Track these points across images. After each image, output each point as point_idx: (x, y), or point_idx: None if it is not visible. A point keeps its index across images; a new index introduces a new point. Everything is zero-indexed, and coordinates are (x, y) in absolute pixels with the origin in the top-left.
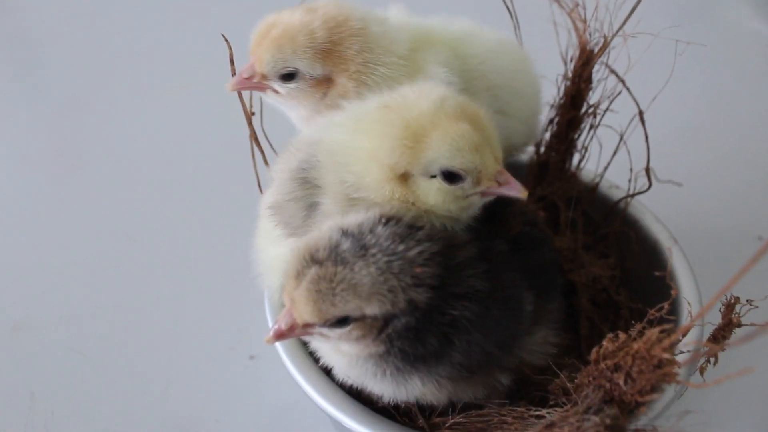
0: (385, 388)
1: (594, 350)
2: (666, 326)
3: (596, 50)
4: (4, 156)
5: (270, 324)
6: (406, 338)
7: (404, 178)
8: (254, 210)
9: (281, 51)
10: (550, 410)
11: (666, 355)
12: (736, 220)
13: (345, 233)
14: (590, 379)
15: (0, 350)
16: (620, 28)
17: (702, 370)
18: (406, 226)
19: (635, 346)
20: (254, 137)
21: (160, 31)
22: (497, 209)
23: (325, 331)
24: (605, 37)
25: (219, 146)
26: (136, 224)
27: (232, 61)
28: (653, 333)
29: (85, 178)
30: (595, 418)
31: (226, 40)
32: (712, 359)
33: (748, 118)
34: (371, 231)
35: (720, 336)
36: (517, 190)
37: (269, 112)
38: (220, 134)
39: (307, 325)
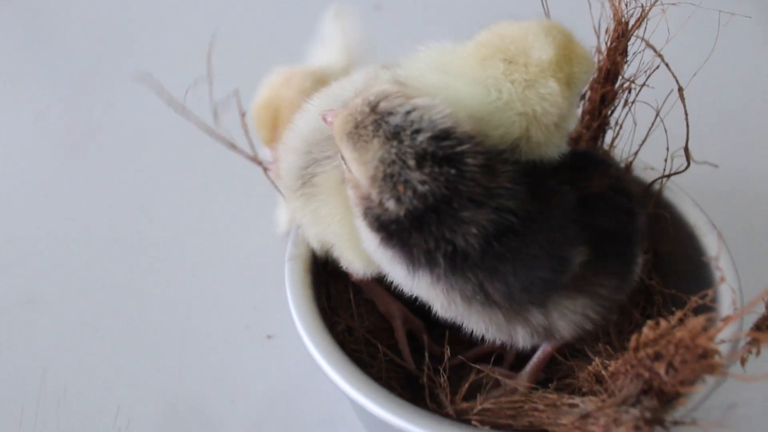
0: (396, 272)
1: (633, 337)
2: (711, 315)
3: (632, 22)
4: (16, 129)
5: (291, 306)
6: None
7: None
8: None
9: None
10: (584, 399)
11: (712, 345)
12: None
13: (408, 111)
14: (628, 367)
15: (13, 324)
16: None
17: (743, 361)
18: (460, 150)
19: (678, 334)
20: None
21: (176, 3)
22: (579, 163)
23: (342, 160)
24: (642, 7)
25: (236, 120)
26: (150, 199)
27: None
28: (698, 321)
29: (98, 151)
30: (635, 411)
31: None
32: (755, 350)
33: None
34: (422, 130)
35: (764, 325)
36: None
37: None
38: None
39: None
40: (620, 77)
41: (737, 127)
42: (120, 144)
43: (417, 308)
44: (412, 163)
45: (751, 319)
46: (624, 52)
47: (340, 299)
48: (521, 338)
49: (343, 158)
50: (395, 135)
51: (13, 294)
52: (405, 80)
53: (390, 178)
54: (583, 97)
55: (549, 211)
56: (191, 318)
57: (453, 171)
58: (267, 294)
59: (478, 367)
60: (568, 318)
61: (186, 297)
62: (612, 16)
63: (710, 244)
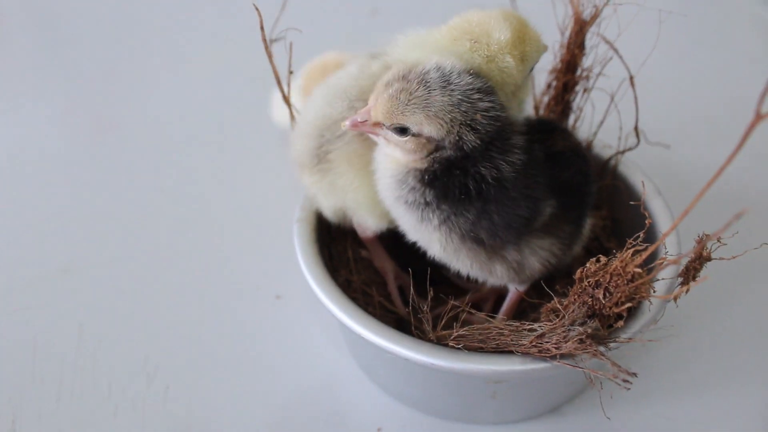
0: (410, 218)
1: (578, 270)
2: (639, 248)
3: (588, 19)
4: (48, 116)
5: (300, 259)
6: (444, 169)
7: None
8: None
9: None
10: (540, 324)
11: (638, 270)
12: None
13: (438, 68)
14: (575, 297)
15: (49, 289)
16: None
17: (675, 299)
18: (487, 85)
19: (613, 265)
20: (286, 98)
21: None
22: (544, 128)
23: (389, 134)
24: (596, 7)
25: (245, 102)
26: (168, 177)
27: (262, 28)
28: (628, 252)
29: (123, 137)
30: (579, 328)
31: (257, 8)
32: (685, 289)
33: (729, 83)
34: (459, 75)
35: (692, 268)
36: None
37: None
38: (248, 91)
39: (376, 124)
40: (579, 68)
41: (683, 111)
42: (140, 131)
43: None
44: (477, 96)
45: None
46: (582, 46)
47: (340, 258)
48: (499, 274)
49: (396, 131)
50: (446, 83)
51: (50, 262)
52: (392, 63)
53: (464, 114)
54: (548, 86)
55: (526, 163)
56: (207, 281)
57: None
58: (275, 258)
59: (462, 306)
60: (537, 254)
61: (202, 262)
62: (571, 15)
63: (656, 207)
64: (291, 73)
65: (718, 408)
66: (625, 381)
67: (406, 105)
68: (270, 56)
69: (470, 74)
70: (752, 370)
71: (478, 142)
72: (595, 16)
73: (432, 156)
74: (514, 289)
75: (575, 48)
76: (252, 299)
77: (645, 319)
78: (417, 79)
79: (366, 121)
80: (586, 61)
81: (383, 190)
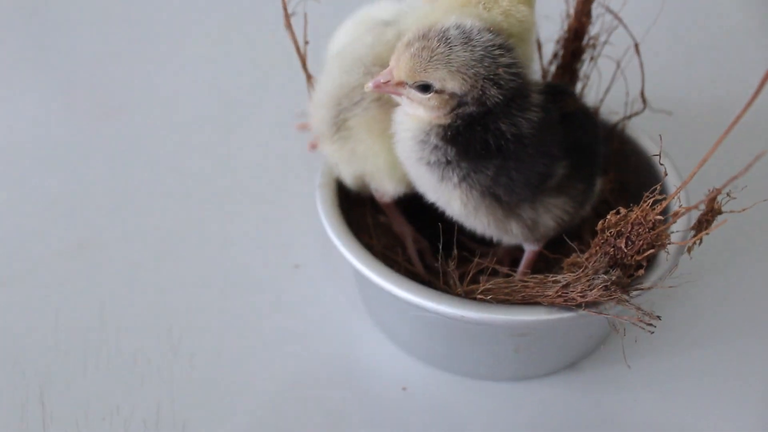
0: (431, 177)
1: (599, 222)
2: (658, 197)
3: None
4: (55, 101)
5: (325, 223)
6: (466, 125)
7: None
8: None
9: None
10: (564, 275)
11: (659, 217)
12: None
13: (457, 26)
14: (597, 248)
15: (67, 265)
16: None
17: (690, 250)
18: (508, 42)
19: (633, 215)
20: (303, 63)
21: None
22: (555, 90)
23: (412, 93)
24: None
25: (254, 76)
26: (180, 156)
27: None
28: (648, 202)
29: (129, 119)
30: (603, 276)
31: None
32: (698, 242)
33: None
34: (479, 32)
35: (704, 221)
36: None
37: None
38: (256, 65)
39: (399, 84)
40: (586, 36)
41: (686, 79)
42: (147, 113)
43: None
44: (498, 51)
45: None
46: (589, 14)
47: (359, 224)
48: (514, 232)
49: (419, 89)
50: (467, 39)
51: (67, 239)
52: (406, 30)
53: (487, 68)
54: (555, 55)
55: (544, 120)
56: (227, 253)
57: (522, 70)
58: (292, 228)
59: (488, 263)
60: (551, 212)
61: (220, 235)
62: None
63: (665, 166)
64: (307, 43)
65: (739, 358)
66: (649, 325)
67: (429, 62)
68: (290, 27)
69: (490, 31)
70: None
71: (500, 97)
72: None
73: (455, 112)
74: (530, 249)
75: (582, 16)
76: (271, 268)
77: (663, 268)
78: (437, 36)
79: (389, 81)
80: (592, 30)
81: (404, 152)
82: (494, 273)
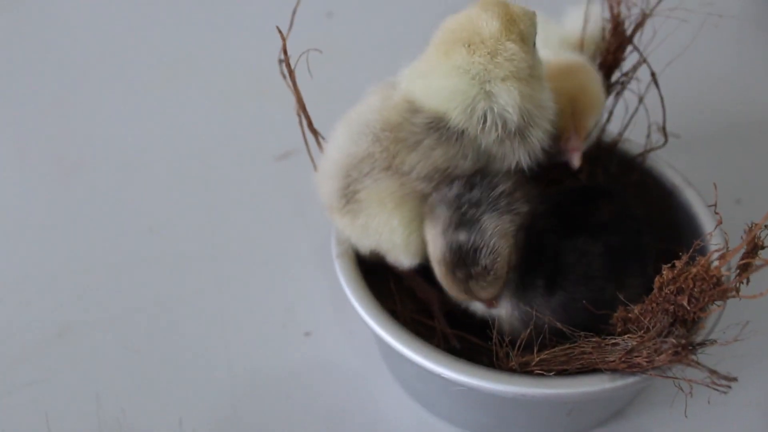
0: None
1: (656, 278)
2: (717, 249)
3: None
4: (4, 163)
5: (350, 295)
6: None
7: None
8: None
9: None
10: (624, 338)
11: (725, 272)
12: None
13: (458, 225)
14: (655, 305)
15: (51, 356)
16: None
17: (738, 290)
18: (505, 174)
19: (693, 269)
20: (309, 123)
21: (161, 19)
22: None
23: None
24: (643, 14)
25: (239, 128)
26: (157, 217)
27: (285, 51)
28: (709, 255)
29: (92, 177)
30: (672, 340)
31: (280, 31)
32: (745, 280)
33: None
34: (477, 201)
35: (749, 258)
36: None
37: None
38: (234, 117)
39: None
40: (617, 72)
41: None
42: (111, 168)
43: None
44: (518, 194)
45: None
46: (620, 58)
47: (381, 290)
48: None
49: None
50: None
51: (45, 327)
52: (407, 95)
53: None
54: None
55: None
56: (227, 326)
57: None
58: (296, 294)
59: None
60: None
61: (217, 307)
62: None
63: (690, 197)
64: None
65: None
66: (723, 386)
67: (487, 285)
68: (294, 81)
69: (484, 179)
70: None
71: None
72: (636, 30)
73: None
74: None
75: (613, 53)
76: (280, 339)
77: (715, 316)
78: (462, 260)
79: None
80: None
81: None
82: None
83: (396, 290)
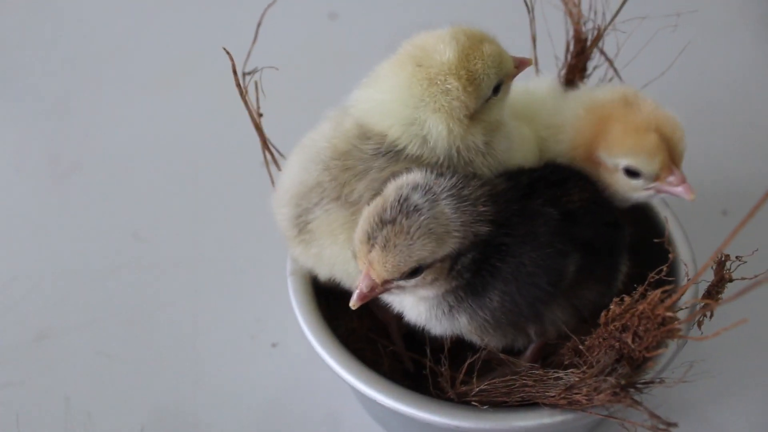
0: (442, 326)
1: (603, 313)
2: (667, 287)
3: (590, 41)
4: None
5: (299, 317)
6: (472, 271)
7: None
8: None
9: None
10: (567, 372)
11: (669, 314)
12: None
13: (414, 187)
14: (600, 340)
15: (27, 359)
16: (612, 20)
17: (700, 324)
18: (464, 176)
19: (640, 307)
20: (264, 141)
21: (153, 27)
22: (558, 177)
23: (403, 283)
24: (599, 28)
25: (221, 138)
26: (142, 223)
27: (235, 72)
28: (656, 294)
29: (84, 181)
30: (611, 379)
31: (227, 52)
32: (708, 313)
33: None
34: (437, 181)
35: (714, 291)
36: None
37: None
38: (219, 126)
39: (386, 282)
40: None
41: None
42: (103, 173)
43: None
44: (466, 191)
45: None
46: (584, 69)
47: (339, 305)
48: (520, 343)
49: (409, 276)
50: (434, 196)
51: (24, 330)
52: (362, 116)
53: (467, 212)
54: None
55: (537, 231)
56: (197, 335)
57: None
58: (266, 306)
59: (506, 357)
60: (557, 324)
61: (189, 316)
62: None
63: (669, 218)
64: (261, 116)
65: None
66: (663, 430)
67: (410, 245)
68: (246, 101)
69: (442, 175)
70: None
71: (489, 227)
72: (596, 39)
73: (455, 269)
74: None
75: (576, 71)
76: (247, 350)
77: (669, 354)
78: (402, 212)
79: (373, 288)
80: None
81: (417, 320)
82: (488, 366)
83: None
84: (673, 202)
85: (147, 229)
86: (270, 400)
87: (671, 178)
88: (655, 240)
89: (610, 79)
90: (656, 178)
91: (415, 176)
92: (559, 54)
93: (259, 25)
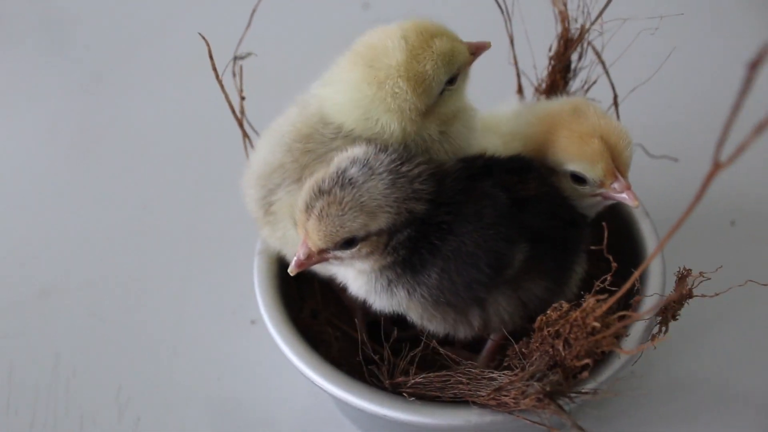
0: (382, 301)
1: (539, 318)
2: (601, 296)
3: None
4: (32, 131)
5: (258, 296)
6: (408, 248)
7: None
8: None
9: None
10: (501, 373)
11: (597, 324)
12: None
13: (353, 161)
14: (537, 345)
15: (28, 314)
16: (597, 17)
17: (654, 339)
18: (407, 153)
19: (573, 314)
20: (240, 123)
21: (182, 12)
22: (517, 166)
23: (339, 253)
24: (582, 27)
25: (223, 126)
26: (151, 196)
27: (211, 57)
28: (590, 302)
29: (105, 153)
30: (537, 385)
31: (204, 38)
32: (664, 328)
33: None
34: (376, 156)
35: (672, 306)
36: None
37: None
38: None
39: (321, 252)
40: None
41: (683, 122)
42: (124, 148)
43: None
44: (404, 168)
45: None
46: (568, 68)
47: (307, 288)
48: (462, 332)
49: (343, 247)
50: (370, 170)
51: (29, 285)
52: (321, 107)
53: (402, 189)
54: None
55: (482, 212)
56: (183, 305)
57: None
58: (251, 283)
59: (446, 352)
60: (501, 315)
61: (178, 287)
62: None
63: (644, 230)
64: (243, 98)
65: None
66: None
67: (342, 216)
68: (222, 85)
69: (385, 151)
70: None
71: (425, 206)
72: (580, 37)
73: (391, 245)
74: (495, 336)
75: (558, 72)
76: (227, 324)
77: (615, 367)
78: (337, 183)
79: (310, 255)
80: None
81: (357, 293)
82: (432, 361)
83: (319, 289)
84: (673, 211)
85: (154, 201)
86: (244, 373)
87: (615, 185)
88: (593, 247)
89: (594, 82)
90: (601, 184)
91: (357, 151)
92: (537, 56)
93: (253, 12)
